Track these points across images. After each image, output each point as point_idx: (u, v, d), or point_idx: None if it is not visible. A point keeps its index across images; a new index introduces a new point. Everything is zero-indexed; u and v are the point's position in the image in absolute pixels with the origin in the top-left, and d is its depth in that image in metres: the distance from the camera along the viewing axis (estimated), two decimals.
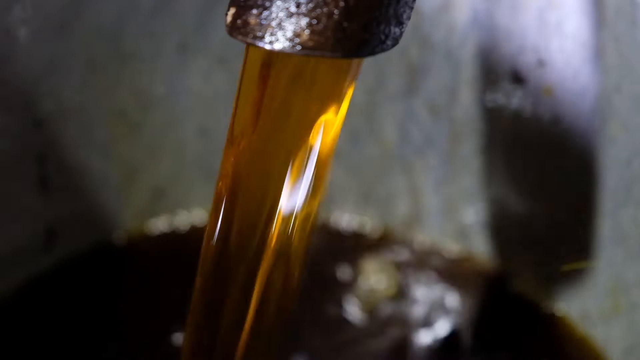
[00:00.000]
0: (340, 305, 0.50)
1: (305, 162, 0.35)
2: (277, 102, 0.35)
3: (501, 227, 0.53)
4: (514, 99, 0.50)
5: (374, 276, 0.51)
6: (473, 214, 0.53)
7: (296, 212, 0.36)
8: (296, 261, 0.37)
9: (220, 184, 0.36)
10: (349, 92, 0.35)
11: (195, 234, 0.52)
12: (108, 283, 0.51)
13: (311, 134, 0.35)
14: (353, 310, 0.50)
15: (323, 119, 0.35)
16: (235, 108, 0.36)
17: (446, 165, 0.53)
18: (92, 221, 0.53)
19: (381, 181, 0.55)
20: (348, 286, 0.51)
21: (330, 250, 0.53)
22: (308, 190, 0.36)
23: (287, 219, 0.36)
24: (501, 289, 0.52)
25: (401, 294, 0.51)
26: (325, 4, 0.32)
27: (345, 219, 0.55)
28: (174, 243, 0.53)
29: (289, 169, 0.35)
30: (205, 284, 0.37)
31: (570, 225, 0.50)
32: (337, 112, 0.35)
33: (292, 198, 0.36)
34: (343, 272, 0.52)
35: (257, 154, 0.35)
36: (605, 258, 0.49)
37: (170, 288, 0.50)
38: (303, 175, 0.35)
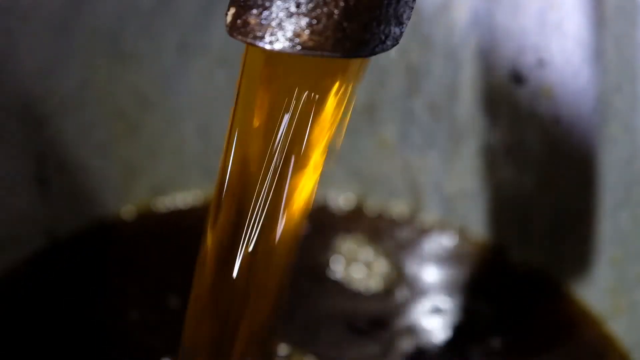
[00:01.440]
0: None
1: (304, 157, 0.36)
2: (277, 101, 0.35)
3: (502, 227, 0.53)
4: (514, 99, 0.50)
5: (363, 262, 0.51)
6: (473, 214, 0.53)
7: (292, 201, 0.36)
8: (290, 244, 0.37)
9: (220, 180, 0.36)
10: (351, 92, 0.35)
11: (194, 228, 0.52)
12: (106, 279, 0.51)
13: (310, 132, 0.35)
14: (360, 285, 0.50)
15: (323, 117, 0.35)
16: (235, 108, 0.36)
17: (446, 165, 0.53)
18: (92, 221, 0.53)
19: (381, 181, 0.55)
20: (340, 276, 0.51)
21: (327, 242, 0.53)
22: (305, 183, 0.36)
23: (282, 207, 0.36)
24: (503, 282, 0.52)
25: (402, 281, 0.51)
26: (325, 4, 0.32)
27: (344, 219, 0.55)
28: (173, 238, 0.53)
29: (288, 165, 0.36)
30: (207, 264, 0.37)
31: (570, 225, 0.50)
32: (337, 110, 0.35)
33: (290, 190, 0.36)
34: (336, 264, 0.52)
35: (258, 151, 0.35)
36: (605, 258, 0.49)
37: (170, 279, 0.50)
38: (301, 170, 0.36)
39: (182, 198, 0.55)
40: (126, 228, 0.53)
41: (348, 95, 0.35)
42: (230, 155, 0.36)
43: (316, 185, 0.37)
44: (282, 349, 0.47)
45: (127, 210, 0.54)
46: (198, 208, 0.54)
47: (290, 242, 0.37)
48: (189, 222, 0.53)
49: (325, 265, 0.52)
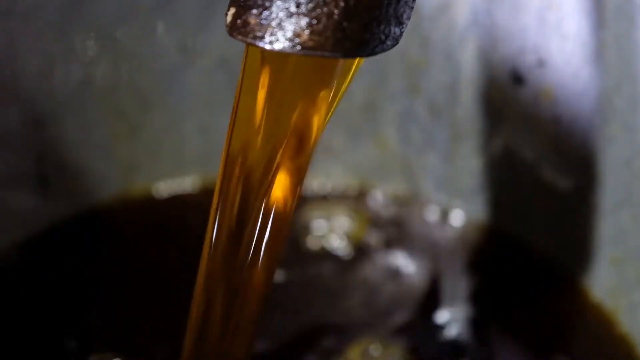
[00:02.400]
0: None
1: (301, 152, 0.36)
2: (277, 101, 0.35)
3: (501, 227, 0.53)
4: (514, 99, 0.50)
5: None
6: (473, 214, 0.53)
7: (290, 196, 0.36)
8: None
9: (221, 180, 0.36)
10: (345, 89, 0.36)
11: (192, 217, 0.52)
12: (106, 278, 0.51)
13: (309, 129, 0.35)
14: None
15: (319, 113, 0.35)
16: (236, 108, 0.36)
17: (446, 165, 0.53)
18: (92, 221, 0.53)
19: (381, 181, 0.55)
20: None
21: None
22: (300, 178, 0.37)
23: (280, 201, 0.37)
24: (503, 273, 0.52)
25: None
26: (325, 4, 0.32)
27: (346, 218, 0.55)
28: (172, 235, 0.53)
29: (287, 160, 0.36)
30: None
31: (570, 224, 0.50)
32: (331, 106, 0.35)
33: (287, 185, 0.36)
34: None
35: (259, 150, 0.36)
36: (605, 258, 0.49)
37: (170, 275, 0.50)
38: (297, 165, 0.36)
39: (181, 184, 0.55)
40: (124, 218, 0.53)
41: (342, 93, 0.36)
42: (231, 154, 0.36)
43: (305, 178, 0.37)
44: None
45: (126, 202, 0.54)
46: (196, 195, 0.54)
47: (280, 238, 0.38)
48: (188, 211, 0.53)
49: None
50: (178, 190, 0.55)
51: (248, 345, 0.40)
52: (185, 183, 0.55)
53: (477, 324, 0.50)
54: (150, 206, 0.54)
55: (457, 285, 0.52)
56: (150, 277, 0.51)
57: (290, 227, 0.38)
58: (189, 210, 0.53)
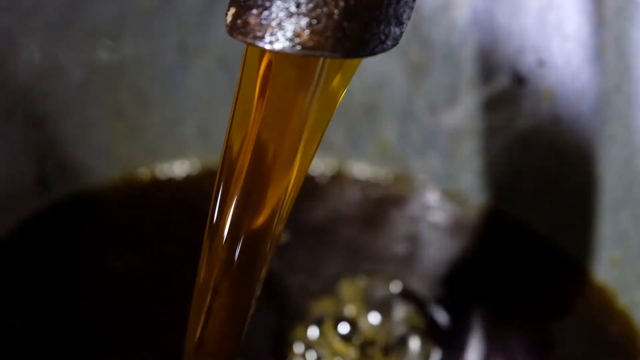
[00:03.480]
0: None
1: (300, 154, 0.36)
2: (277, 101, 0.35)
3: (501, 227, 0.53)
4: (514, 99, 0.50)
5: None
6: (472, 215, 0.53)
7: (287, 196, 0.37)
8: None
9: (218, 182, 0.36)
10: (344, 89, 0.36)
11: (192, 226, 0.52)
12: (102, 274, 0.51)
13: (309, 130, 0.35)
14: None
15: (320, 115, 0.35)
16: (234, 108, 0.36)
17: (446, 165, 0.53)
18: (92, 221, 0.53)
19: (381, 180, 0.55)
20: None
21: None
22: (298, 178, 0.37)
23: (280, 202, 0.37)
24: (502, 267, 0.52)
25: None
26: (325, 3, 0.32)
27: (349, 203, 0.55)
28: (171, 225, 0.53)
29: (285, 160, 0.36)
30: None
31: (570, 225, 0.50)
32: (333, 106, 0.35)
33: (285, 186, 0.36)
34: None
35: (257, 150, 0.36)
36: (605, 258, 0.49)
37: (171, 276, 0.51)
38: (296, 167, 0.36)
39: (180, 166, 0.55)
40: (124, 213, 0.53)
41: (343, 93, 0.36)
42: (229, 155, 0.36)
43: (302, 181, 0.37)
44: None
45: (128, 213, 0.54)
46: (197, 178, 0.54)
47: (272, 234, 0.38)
48: (187, 198, 0.53)
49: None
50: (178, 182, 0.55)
51: (244, 325, 0.40)
52: (184, 178, 0.55)
53: (476, 312, 0.50)
54: (151, 196, 0.54)
55: (456, 278, 0.52)
56: (152, 274, 0.51)
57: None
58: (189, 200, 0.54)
